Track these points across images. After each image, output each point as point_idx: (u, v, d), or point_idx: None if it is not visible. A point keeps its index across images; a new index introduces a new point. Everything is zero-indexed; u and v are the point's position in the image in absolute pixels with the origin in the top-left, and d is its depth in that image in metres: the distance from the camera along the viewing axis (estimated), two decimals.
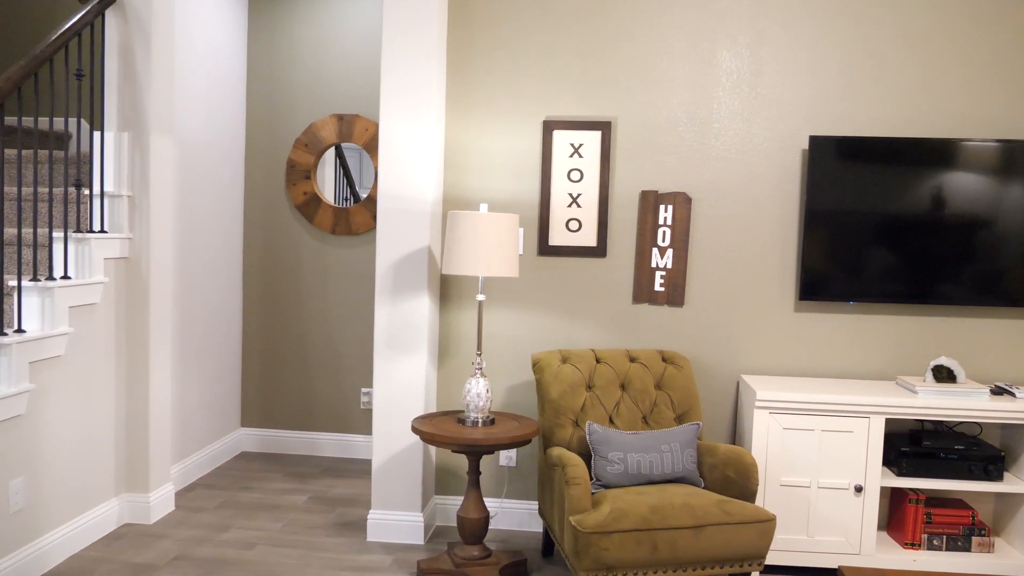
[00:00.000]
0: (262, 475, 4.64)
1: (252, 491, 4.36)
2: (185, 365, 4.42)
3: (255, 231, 5.01)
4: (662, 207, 3.76)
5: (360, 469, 4.81)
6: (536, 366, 3.50)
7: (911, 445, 3.44)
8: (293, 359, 5.03)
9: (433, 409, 3.88)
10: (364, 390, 4.99)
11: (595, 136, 3.77)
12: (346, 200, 5.38)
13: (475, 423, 3.30)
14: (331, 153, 5.13)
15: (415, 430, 3.27)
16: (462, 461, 3.93)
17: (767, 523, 2.96)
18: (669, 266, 3.77)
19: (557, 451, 3.19)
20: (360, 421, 5.02)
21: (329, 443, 5.04)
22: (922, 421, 3.61)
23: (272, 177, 4.99)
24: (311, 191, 4.93)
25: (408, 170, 3.63)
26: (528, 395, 3.87)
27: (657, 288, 3.78)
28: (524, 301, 3.84)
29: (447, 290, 3.89)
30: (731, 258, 3.75)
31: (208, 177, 4.56)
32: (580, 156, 3.78)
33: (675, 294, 3.77)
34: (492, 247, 3.20)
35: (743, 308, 3.76)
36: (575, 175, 3.79)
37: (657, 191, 3.75)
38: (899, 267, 3.60)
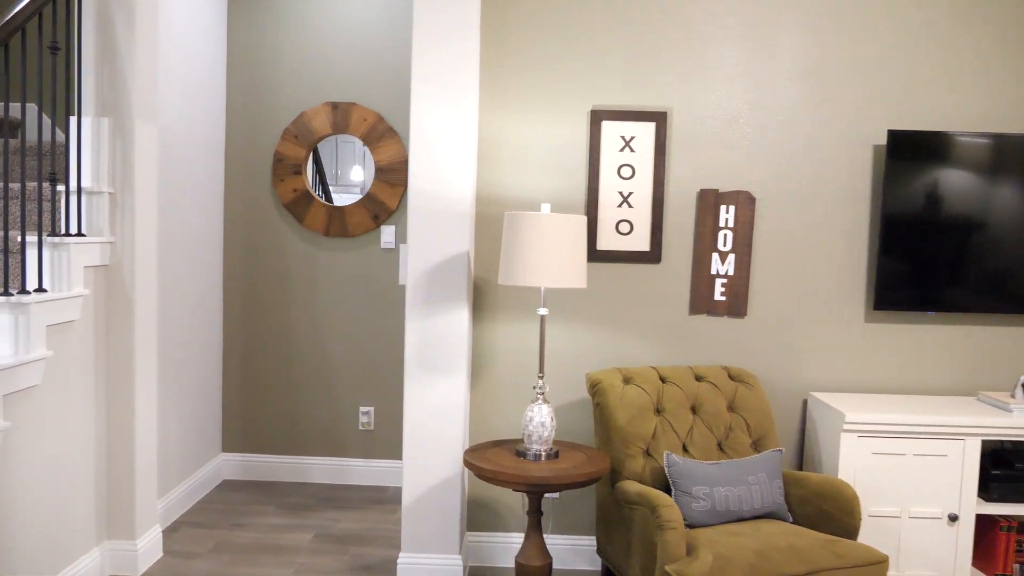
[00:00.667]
0: (252, 508, 4.10)
1: (245, 528, 3.83)
2: (164, 386, 3.85)
3: (237, 232, 4.45)
4: (723, 207, 3.39)
5: (361, 498, 4.31)
6: (596, 388, 3.09)
7: (1001, 468, 3.17)
8: (280, 376, 4.50)
9: (467, 437, 3.43)
10: (363, 409, 4.50)
11: (648, 128, 3.38)
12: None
13: (537, 456, 2.87)
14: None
15: (469, 465, 2.83)
16: (497, 494, 3.49)
17: (880, 565, 2.63)
18: (730, 273, 3.41)
19: (635, 487, 2.80)
20: (358, 443, 4.52)
21: (322, 468, 4.52)
22: (1002, 441, 3.34)
23: (256, 172, 4.44)
24: (302, 188, 4.40)
25: (443, 164, 3.17)
26: (577, 418, 3.45)
27: (717, 297, 3.41)
28: (568, 312, 3.42)
29: (478, 300, 3.44)
30: (797, 264, 3.42)
31: (185, 172, 4.00)
32: (632, 150, 3.38)
33: (737, 304, 3.41)
34: (559, 253, 2.78)
35: (810, 319, 3.43)
36: (626, 171, 3.39)
37: (717, 190, 3.39)
38: (984, 274, 3.32)
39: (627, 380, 3.13)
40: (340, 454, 4.52)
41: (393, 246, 4.42)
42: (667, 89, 3.38)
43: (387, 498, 4.31)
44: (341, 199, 4.64)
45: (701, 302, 3.42)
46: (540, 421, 2.85)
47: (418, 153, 3.18)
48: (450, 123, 3.16)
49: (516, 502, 3.49)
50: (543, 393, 2.89)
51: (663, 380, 3.18)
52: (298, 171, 4.39)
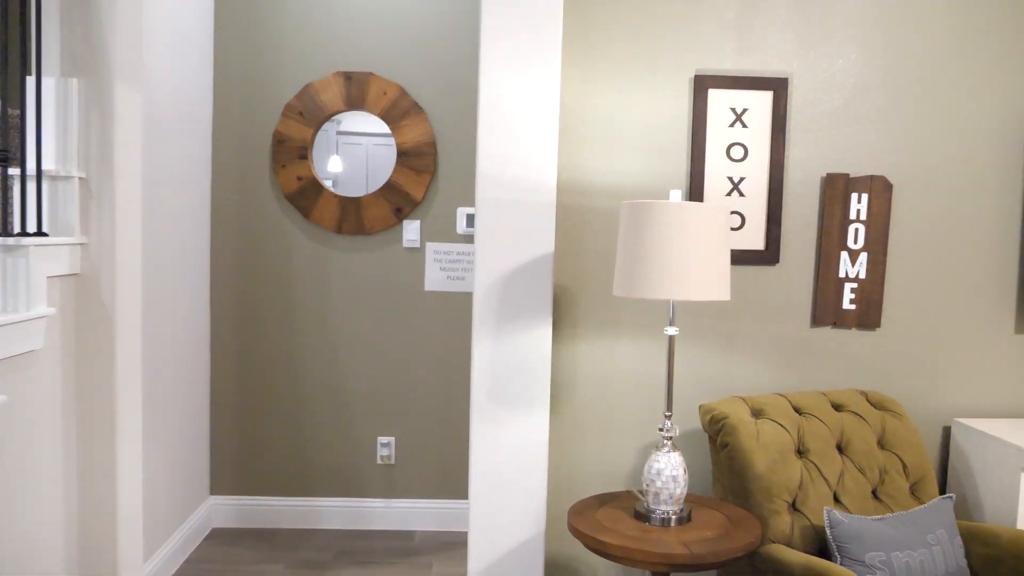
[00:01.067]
0: (256, 568, 3.36)
1: None
2: (147, 423, 3.09)
3: (228, 229, 3.69)
4: (854, 196, 2.77)
5: (386, 548, 3.60)
6: (723, 425, 2.43)
7: None
8: (281, 401, 3.75)
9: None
10: (382, 439, 3.77)
11: (764, 99, 2.74)
12: None
13: (666, 520, 2.20)
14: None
15: (580, 535, 2.15)
16: (579, 552, 2.81)
17: None
18: (862, 276, 2.79)
19: (797, 557, 2.15)
20: (377, 480, 3.80)
21: (334, 512, 3.79)
22: None
23: (252, 157, 3.68)
24: (308, 175, 3.65)
25: (521, 143, 2.49)
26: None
27: (846, 306, 2.79)
28: (649, 322, 2.76)
29: (555, 313, 2.77)
30: (941, 264, 2.81)
31: (166, 155, 3.23)
32: (744, 125, 2.74)
33: (869, 313, 2.79)
34: (701, 255, 2.11)
35: (955, 330, 2.83)
36: (737, 152, 2.74)
37: (848, 175, 2.76)
38: None
39: (757, 413, 2.49)
40: (356, 494, 3.80)
41: (418, 245, 3.71)
42: (786, 51, 2.74)
43: (416, 547, 3.60)
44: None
45: (827, 311, 2.79)
46: (671, 475, 2.18)
47: (489, 129, 2.48)
48: (528, 91, 2.48)
49: (599, 561, 2.82)
50: (672, 438, 2.22)
51: (798, 411, 2.54)
52: (303, 155, 3.64)
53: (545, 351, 2.52)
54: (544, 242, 2.50)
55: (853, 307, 2.79)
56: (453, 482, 3.80)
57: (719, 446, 2.46)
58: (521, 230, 2.50)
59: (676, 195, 2.21)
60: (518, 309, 2.51)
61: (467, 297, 3.73)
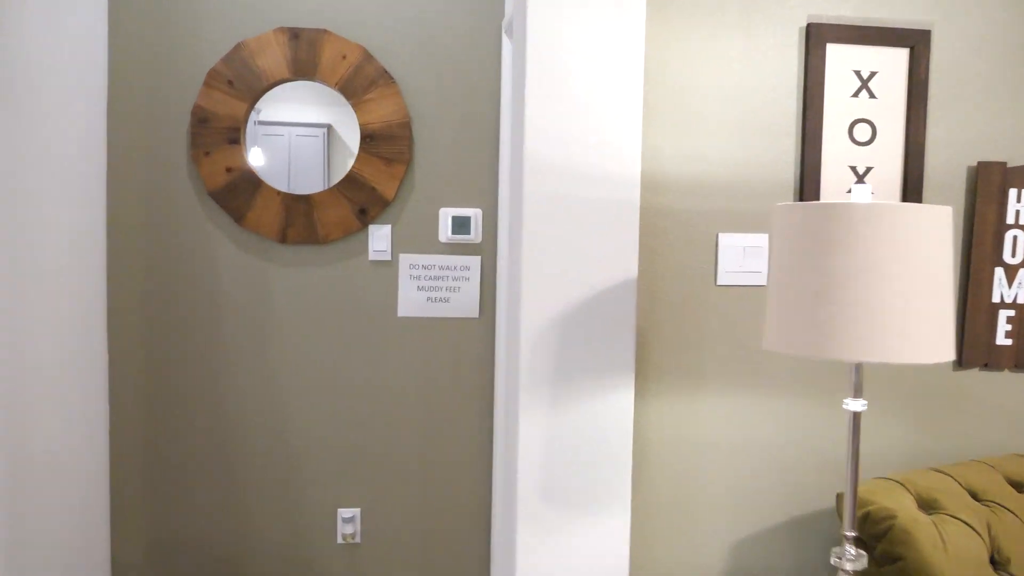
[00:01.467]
0: None
1: None
2: (13, 506, 2.13)
3: (130, 241, 2.74)
4: (1012, 192, 2.06)
5: None
6: (891, 527, 1.67)
7: None
8: (208, 467, 2.83)
9: None
10: (345, 513, 2.89)
11: (898, 58, 1.99)
12: None
13: None
14: None
15: None
16: None
17: None
18: (1021, 300, 2.08)
19: None
20: (339, 565, 2.92)
21: None
22: None
23: (163, 140, 2.73)
24: (240, 166, 2.73)
25: (589, 117, 1.67)
26: (781, 554, 2.02)
27: (1000, 340, 2.08)
28: (746, 371, 1.99)
29: None
30: None
31: (39, 139, 2.26)
32: (871, 95, 1.99)
33: None
34: (924, 290, 1.33)
35: None
36: (862, 132, 1.99)
37: (1005, 163, 2.05)
38: None
39: (928, 505, 1.74)
40: None
41: (389, 257, 2.84)
42: None
43: None
44: None
45: (976, 348, 2.07)
46: None
47: (540, 95, 1.65)
48: (600, 42, 1.66)
49: None
50: (856, 573, 1.44)
51: (976, 498, 1.81)
52: (234, 139, 2.72)
53: (625, 426, 1.71)
54: (624, 260, 1.69)
55: (1009, 342, 2.08)
56: (434, 564, 2.95)
57: (882, 558, 1.70)
58: (589, 244, 1.68)
59: (863, 191, 1.42)
60: (586, 363, 1.69)
61: (453, 324, 2.88)
